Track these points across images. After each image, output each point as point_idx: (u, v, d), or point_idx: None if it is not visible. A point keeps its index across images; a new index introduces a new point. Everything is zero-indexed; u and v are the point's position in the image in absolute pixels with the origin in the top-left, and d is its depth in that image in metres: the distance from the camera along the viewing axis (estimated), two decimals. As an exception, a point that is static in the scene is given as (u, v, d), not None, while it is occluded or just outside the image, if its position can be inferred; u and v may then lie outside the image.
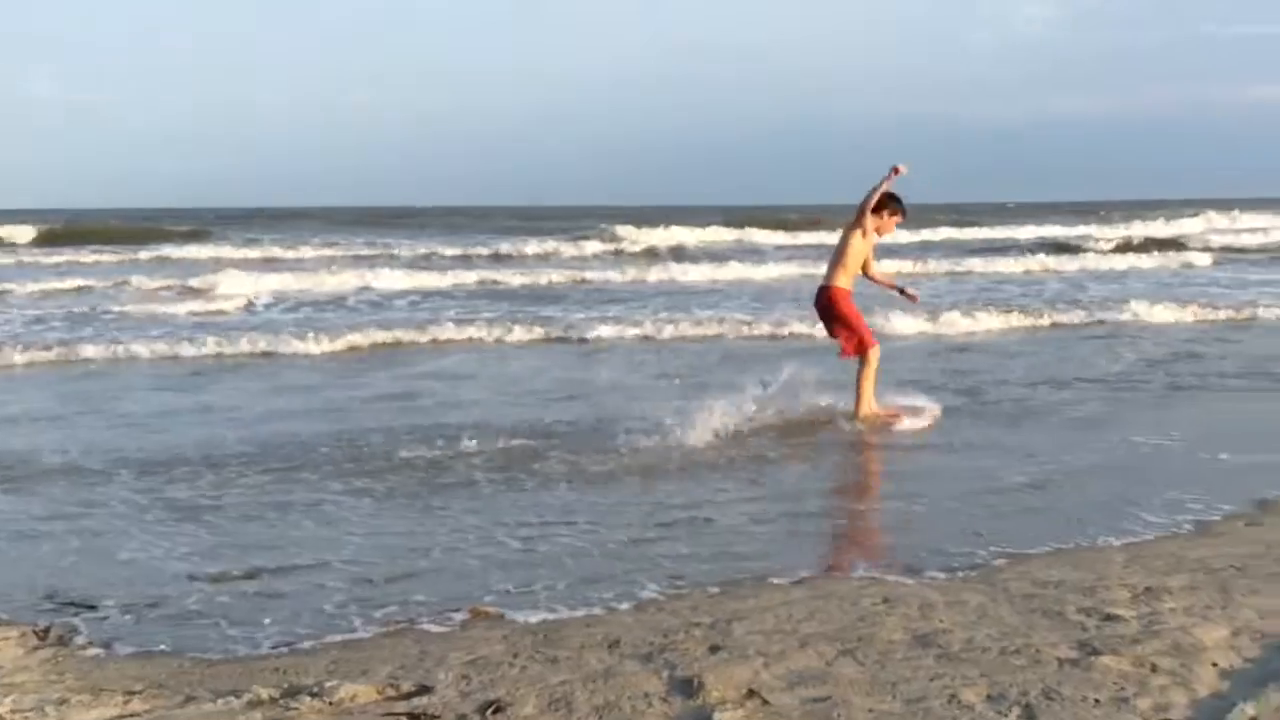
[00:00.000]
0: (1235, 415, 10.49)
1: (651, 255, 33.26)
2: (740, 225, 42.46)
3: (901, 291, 10.18)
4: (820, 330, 10.43)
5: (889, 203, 9.76)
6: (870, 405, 9.87)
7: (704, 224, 42.05)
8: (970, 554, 6.18)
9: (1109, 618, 4.93)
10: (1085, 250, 34.29)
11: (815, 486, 8.03)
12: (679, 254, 33.45)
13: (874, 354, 9.85)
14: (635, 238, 37.62)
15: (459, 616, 5.30)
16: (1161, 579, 5.47)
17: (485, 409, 10.71)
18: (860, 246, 9.84)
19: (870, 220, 9.76)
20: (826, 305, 9.95)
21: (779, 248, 37.04)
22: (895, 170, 9.57)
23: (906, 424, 9.74)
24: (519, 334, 16.34)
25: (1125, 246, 36.14)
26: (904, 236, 35.81)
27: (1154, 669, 4.34)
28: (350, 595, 5.68)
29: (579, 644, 4.82)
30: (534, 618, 5.27)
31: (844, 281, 9.90)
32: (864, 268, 10.04)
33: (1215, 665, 4.38)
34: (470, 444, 9.02)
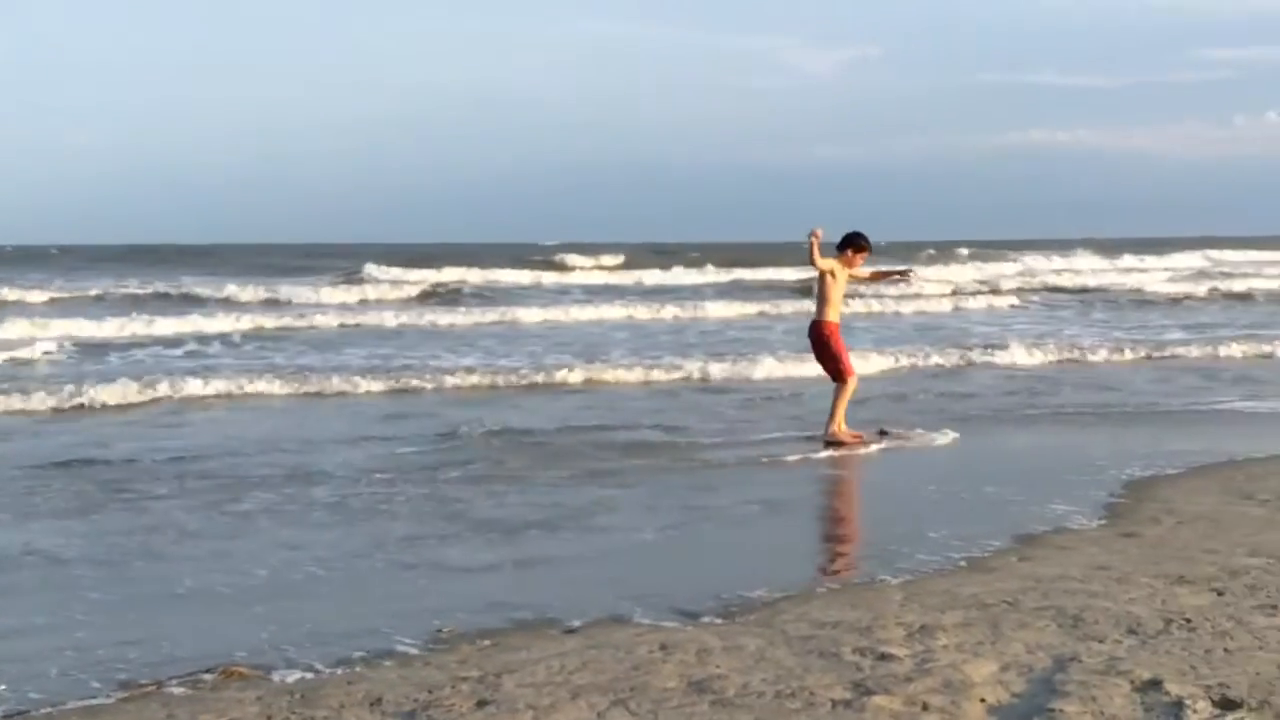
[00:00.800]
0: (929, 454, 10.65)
1: (424, 296, 31.59)
2: (523, 265, 41.04)
3: (898, 275, 11.95)
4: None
5: (854, 241, 11.00)
6: (839, 426, 10.81)
7: (484, 265, 40.68)
8: (748, 596, 6.07)
9: (883, 657, 4.90)
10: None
11: (538, 518, 7.87)
12: (448, 295, 32.32)
13: (852, 382, 10.95)
14: (401, 278, 36.06)
15: (210, 677, 4.96)
16: (936, 616, 5.48)
17: (190, 458, 10.14)
18: (838, 285, 10.96)
19: (834, 264, 10.92)
20: (817, 337, 11.08)
21: (564, 289, 35.58)
22: (814, 234, 10.62)
23: (866, 447, 10.60)
24: (258, 384, 14.78)
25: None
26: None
27: (925, 707, 4.32)
28: (89, 656, 5.28)
29: (338, 703, 4.55)
30: (290, 676, 4.97)
31: (833, 316, 11.03)
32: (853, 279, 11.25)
33: (983, 701, 4.39)
34: (175, 485, 8.88)
